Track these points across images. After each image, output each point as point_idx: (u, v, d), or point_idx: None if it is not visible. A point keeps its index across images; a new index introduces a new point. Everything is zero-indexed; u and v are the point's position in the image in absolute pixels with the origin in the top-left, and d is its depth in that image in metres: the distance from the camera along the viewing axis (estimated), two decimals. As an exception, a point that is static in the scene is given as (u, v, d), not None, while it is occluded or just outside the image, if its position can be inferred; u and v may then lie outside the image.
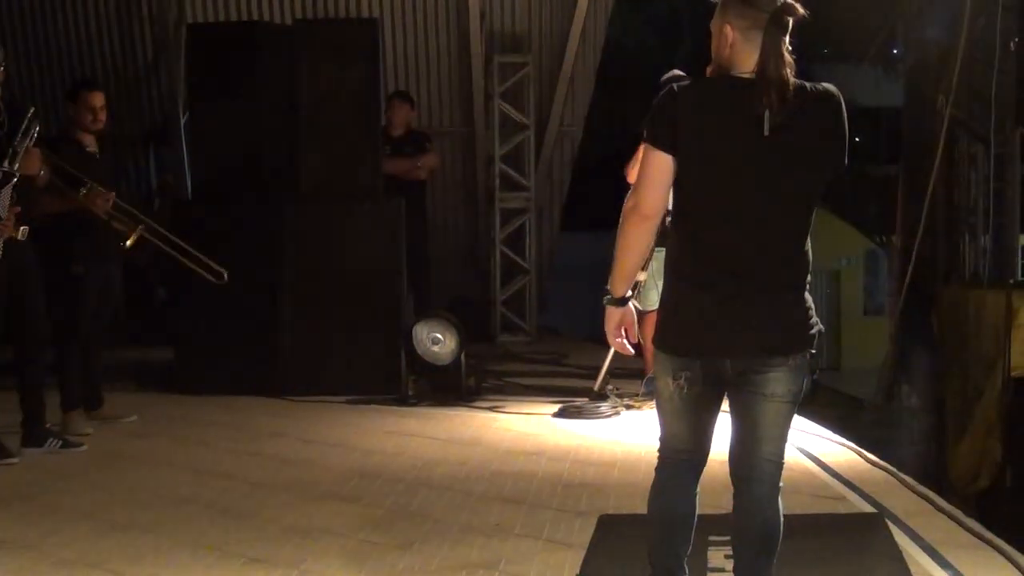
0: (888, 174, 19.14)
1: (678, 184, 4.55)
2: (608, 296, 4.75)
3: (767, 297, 4.53)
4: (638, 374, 10.44)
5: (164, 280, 13.59)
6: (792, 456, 7.27)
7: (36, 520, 7.05)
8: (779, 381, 4.57)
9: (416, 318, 10.83)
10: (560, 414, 9.87)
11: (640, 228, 4.59)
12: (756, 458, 4.66)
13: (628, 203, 4.58)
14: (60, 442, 8.82)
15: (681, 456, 4.77)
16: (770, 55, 4.43)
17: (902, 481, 7.68)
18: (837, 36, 16.30)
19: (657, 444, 4.84)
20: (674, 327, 4.64)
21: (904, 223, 13.86)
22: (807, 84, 4.52)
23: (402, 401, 10.41)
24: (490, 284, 14.87)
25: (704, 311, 4.54)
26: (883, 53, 16.80)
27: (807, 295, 4.62)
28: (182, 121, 14.24)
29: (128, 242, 8.87)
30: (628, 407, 9.95)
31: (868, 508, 7.05)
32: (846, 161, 4.57)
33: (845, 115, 4.55)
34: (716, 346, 4.56)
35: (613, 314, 4.76)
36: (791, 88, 4.43)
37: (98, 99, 9.39)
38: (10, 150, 8.15)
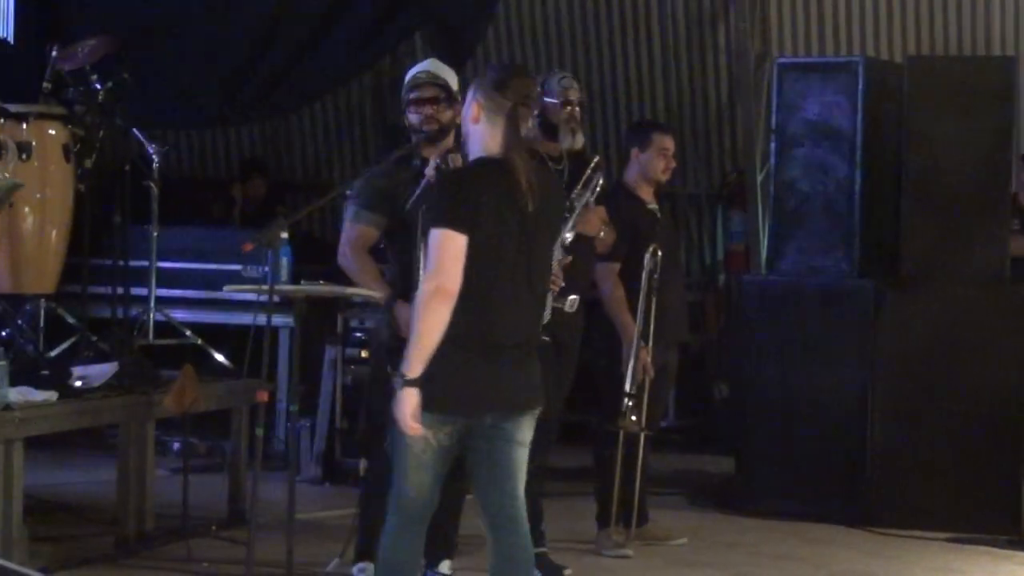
0: None
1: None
2: (402, 379, 5.34)
3: (527, 360, 5.59)
4: None
5: (726, 373, 13.17)
6: None
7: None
8: (528, 428, 5.65)
9: (1050, 438, 10.05)
10: None
11: (446, 307, 5.33)
12: (516, 499, 5.63)
13: (429, 284, 5.34)
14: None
15: (419, 509, 5.64)
16: (513, 140, 5.45)
17: None
18: None
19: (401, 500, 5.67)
20: (450, 389, 5.45)
21: None
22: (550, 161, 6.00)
23: (1022, 544, 9.63)
24: None
25: (483, 375, 5.48)
26: None
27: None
28: (759, 179, 13.62)
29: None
30: None
31: None
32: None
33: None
34: (484, 403, 5.52)
35: (411, 396, 5.34)
36: (534, 169, 5.54)
37: (671, 143, 9.22)
38: (567, 203, 7.80)
